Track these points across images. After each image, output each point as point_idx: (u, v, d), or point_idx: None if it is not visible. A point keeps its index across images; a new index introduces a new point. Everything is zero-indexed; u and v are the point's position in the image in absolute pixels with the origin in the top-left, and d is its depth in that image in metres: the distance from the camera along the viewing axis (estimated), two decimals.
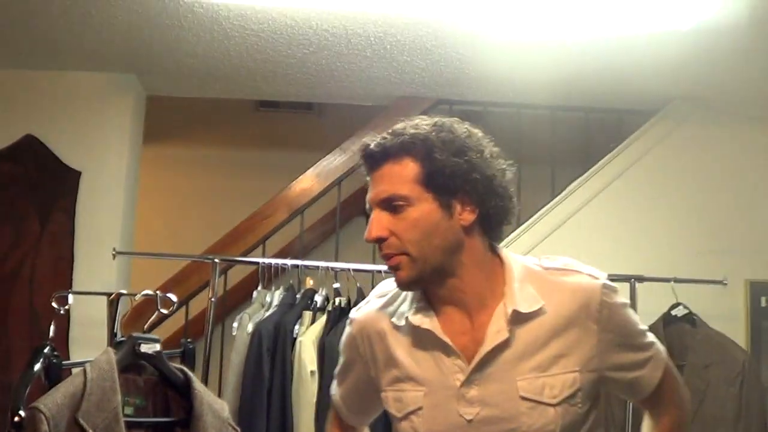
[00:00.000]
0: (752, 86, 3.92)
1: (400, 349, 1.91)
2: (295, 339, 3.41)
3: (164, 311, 2.57)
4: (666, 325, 3.72)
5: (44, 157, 3.97)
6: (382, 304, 1.97)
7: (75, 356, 3.67)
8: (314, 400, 3.32)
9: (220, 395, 3.48)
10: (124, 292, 2.76)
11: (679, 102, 4.23)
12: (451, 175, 1.78)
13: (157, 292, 2.58)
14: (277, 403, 3.34)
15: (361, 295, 3.57)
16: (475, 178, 1.79)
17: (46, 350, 2.36)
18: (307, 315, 3.49)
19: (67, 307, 2.77)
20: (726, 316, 3.97)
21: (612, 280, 3.56)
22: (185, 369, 2.18)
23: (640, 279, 3.68)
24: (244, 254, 4.07)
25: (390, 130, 1.84)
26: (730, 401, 3.53)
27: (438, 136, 1.80)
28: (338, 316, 3.48)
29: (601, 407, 1.94)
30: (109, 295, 2.76)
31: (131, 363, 2.13)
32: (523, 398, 1.77)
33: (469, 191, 1.80)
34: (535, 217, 4.16)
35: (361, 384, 2.02)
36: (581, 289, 1.82)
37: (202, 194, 5.37)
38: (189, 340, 2.67)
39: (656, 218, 4.14)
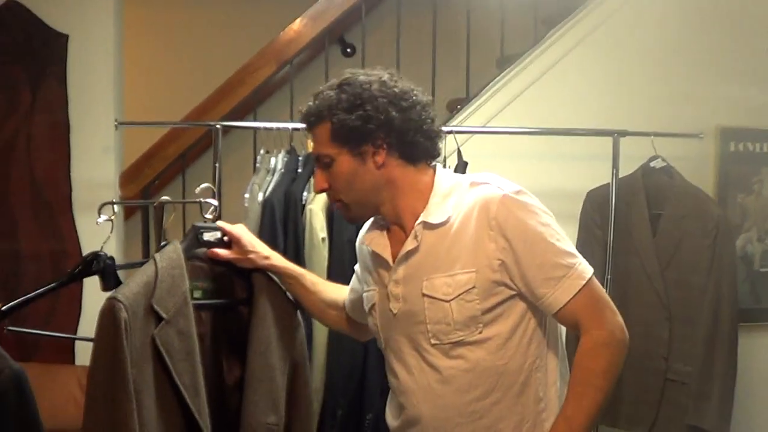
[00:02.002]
0: None
1: (368, 257, 2.46)
2: (305, 206, 3.70)
3: (209, 217, 2.82)
4: (644, 175, 4.10)
5: (29, 22, 4.01)
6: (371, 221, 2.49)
7: (80, 221, 3.96)
8: (326, 264, 3.65)
9: None
10: (168, 198, 2.99)
11: None
12: (352, 129, 2.22)
13: (200, 199, 2.81)
14: None
15: None
16: (371, 128, 2.22)
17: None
18: None
19: (113, 216, 2.94)
20: (697, 160, 4.37)
21: (596, 134, 3.99)
22: None
23: (623, 134, 3.99)
24: (237, 108, 4.34)
25: (313, 95, 2.30)
26: (704, 251, 3.96)
27: (339, 97, 2.23)
28: None
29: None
30: (152, 203, 2.99)
31: (195, 252, 2.44)
32: (425, 295, 2.24)
33: (372, 137, 2.23)
34: (516, 68, 4.37)
35: (355, 282, 2.62)
36: (483, 197, 2.21)
37: (191, 34, 5.39)
38: None
39: (634, 69, 4.40)
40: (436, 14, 4.47)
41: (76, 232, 4.02)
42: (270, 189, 3.76)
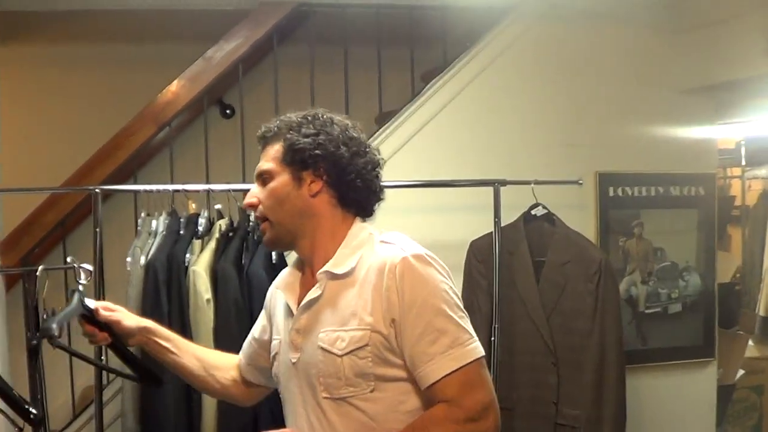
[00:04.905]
0: None
1: (279, 302, 2.52)
2: (188, 268, 3.78)
3: (83, 282, 2.88)
4: (526, 223, 4.28)
5: None
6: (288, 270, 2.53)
7: None
8: (212, 326, 3.72)
9: None
10: (42, 267, 3.04)
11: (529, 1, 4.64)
12: (299, 151, 2.31)
13: (75, 264, 2.87)
14: (177, 332, 3.66)
15: (243, 214, 3.99)
16: (318, 155, 2.31)
17: None
18: (197, 244, 3.86)
19: None
20: (578, 206, 4.62)
21: (477, 185, 4.13)
22: None
23: (503, 183, 4.16)
24: (117, 172, 4.42)
25: (275, 120, 2.40)
26: (587, 296, 4.12)
27: (299, 121, 2.36)
28: (227, 242, 3.88)
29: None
30: (33, 271, 3.02)
31: None
32: (320, 347, 2.28)
33: (315, 165, 2.32)
34: (395, 123, 4.55)
35: (258, 333, 2.65)
36: (386, 257, 2.26)
37: (68, 98, 5.37)
38: None
39: (513, 118, 4.63)
40: (314, 72, 4.61)
41: None
42: (152, 252, 3.82)
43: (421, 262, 2.24)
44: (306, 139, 2.31)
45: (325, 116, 2.38)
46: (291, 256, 4.04)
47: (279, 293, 2.51)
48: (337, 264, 2.32)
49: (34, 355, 2.66)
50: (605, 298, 4.16)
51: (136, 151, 4.50)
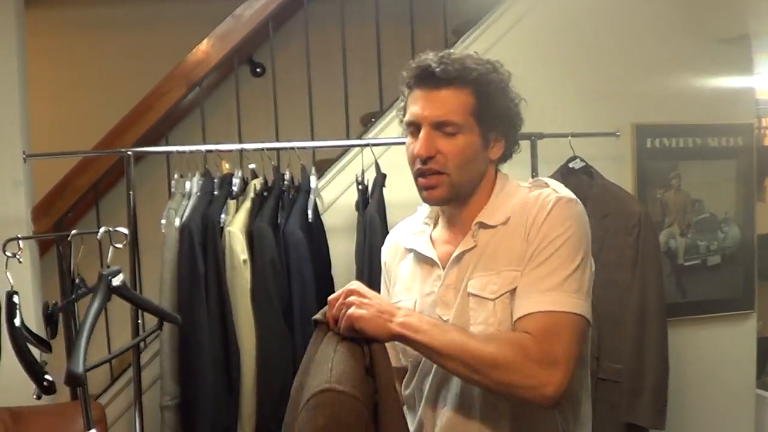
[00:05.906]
0: None
1: (404, 262, 2.38)
2: (223, 229, 3.74)
3: (118, 246, 2.83)
4: (564, 176, 4.19)
5: None
6: (409, 220, 2.45)
7: None
8: (248, 286, 3.69)
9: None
10: (75, 231, 3.01)
11: None
12: (497, 114, 2.19)
13: (110, 228, 2.82)
14: (214, 292, 3.68)
15: (278, 173, 3.94)
16: (515, 122, 2.24)
17: None
18: (232, 204, 3.83)
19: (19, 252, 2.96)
20: (615, 158, 4.52)
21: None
22: None
23: (540, 136, 4.09)
24: (148, 133, 4.36)
25: (447, 56, 2.18)
26: (628, 249, 4.07)
27: (495, 76, 2.19)
28: (262, 202, 3.84)
29: None
30: (66, 236, 3.00)
31: None
32: (470, 294, 2.15)
33: (505, 130, 2.23)
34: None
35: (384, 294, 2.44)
36: (538, 196, 2.16)
37: (97, 61, 5.35)
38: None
39: (547, 70, 4.51)
40: (345, 28, 4.53)
41: None
42: (187, 213, 3.77)
43: (573, 205, 2.16)
44: (504, 100, 2.19)
45: (502, 66, 2.24)
46: (326, 215, 4.01)
47: (402, 253, 2.39)
48: (490, 214, 2.21)
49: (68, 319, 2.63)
50: (645, 251, 4.10)
51: (167, 112, 4.46)
